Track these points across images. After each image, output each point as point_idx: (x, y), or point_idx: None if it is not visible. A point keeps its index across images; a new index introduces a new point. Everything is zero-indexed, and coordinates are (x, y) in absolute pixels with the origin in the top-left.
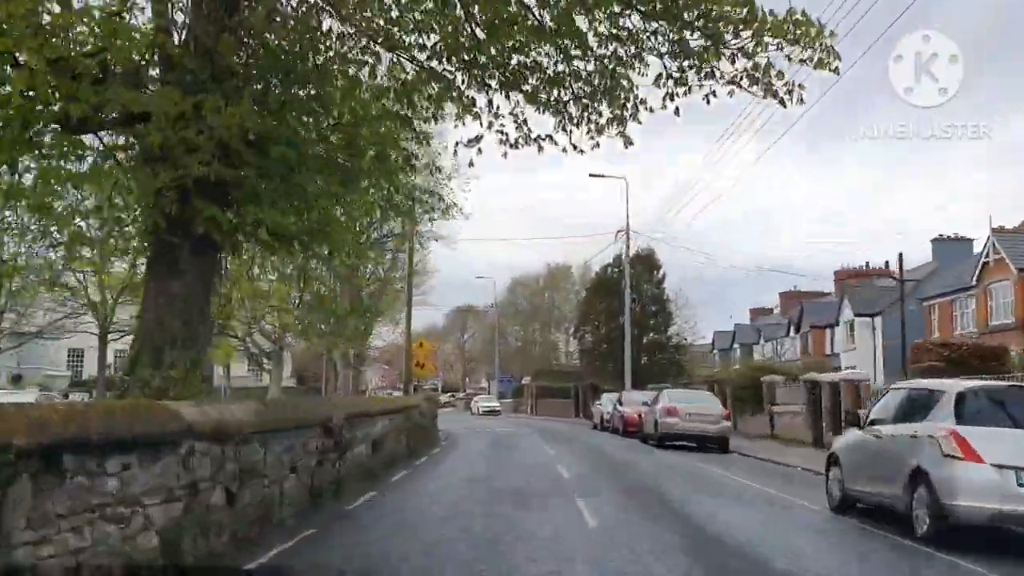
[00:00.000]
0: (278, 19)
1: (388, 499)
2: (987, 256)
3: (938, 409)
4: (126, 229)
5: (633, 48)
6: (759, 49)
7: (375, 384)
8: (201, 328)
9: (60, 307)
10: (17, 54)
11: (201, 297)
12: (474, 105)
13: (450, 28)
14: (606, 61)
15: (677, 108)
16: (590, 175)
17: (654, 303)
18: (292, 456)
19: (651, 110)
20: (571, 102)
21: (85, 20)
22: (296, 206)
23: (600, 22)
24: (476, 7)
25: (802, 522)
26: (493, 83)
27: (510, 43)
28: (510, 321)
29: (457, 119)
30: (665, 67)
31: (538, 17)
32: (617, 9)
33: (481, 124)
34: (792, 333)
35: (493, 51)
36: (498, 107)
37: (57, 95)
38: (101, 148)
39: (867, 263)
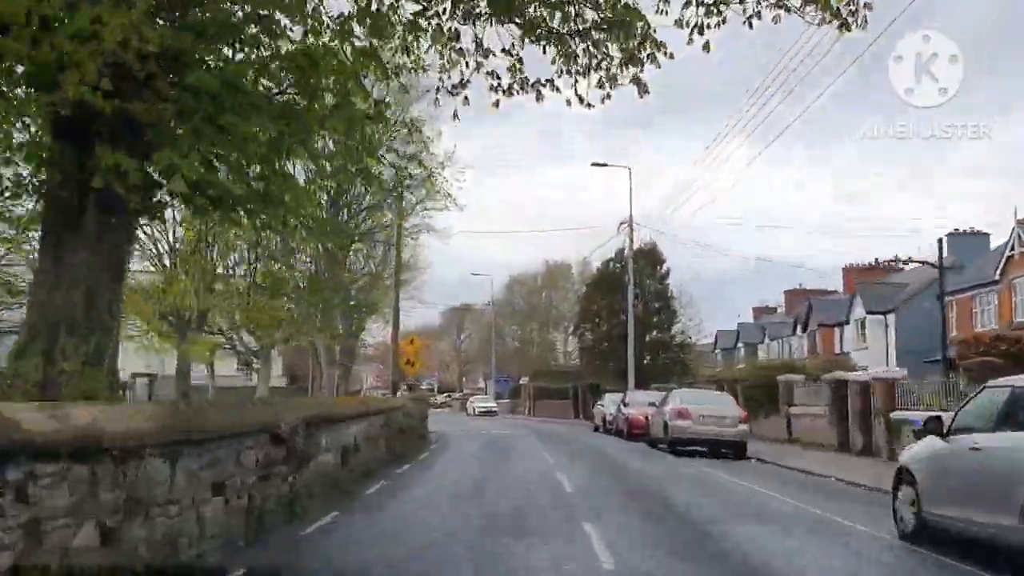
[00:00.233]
0: None
1: (352, 522)
2: (1011, 249)
3: None
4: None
5: None
6: None
7: (370, 384)
8: (108, 310)
9: None
10: None
11: (107, 271)
12: (457, 39)
13: None
14: None
15: (707, 43)
16: (592, 164)
17: (657, 299)
18: (218, 473)
19: (671, 56)
20: (576, 37)
21: None
22: (230, 158)
23: None
24: None
25: (873, 556)
26: (482, 3)
27: None
28: (507, 320)
29: (442, 72)
30: None
31: None
32: None
33: (467, 64)
34: (799, 332)
35: None
36: (488, 48)
37: None
38: None
39: (876, 259)
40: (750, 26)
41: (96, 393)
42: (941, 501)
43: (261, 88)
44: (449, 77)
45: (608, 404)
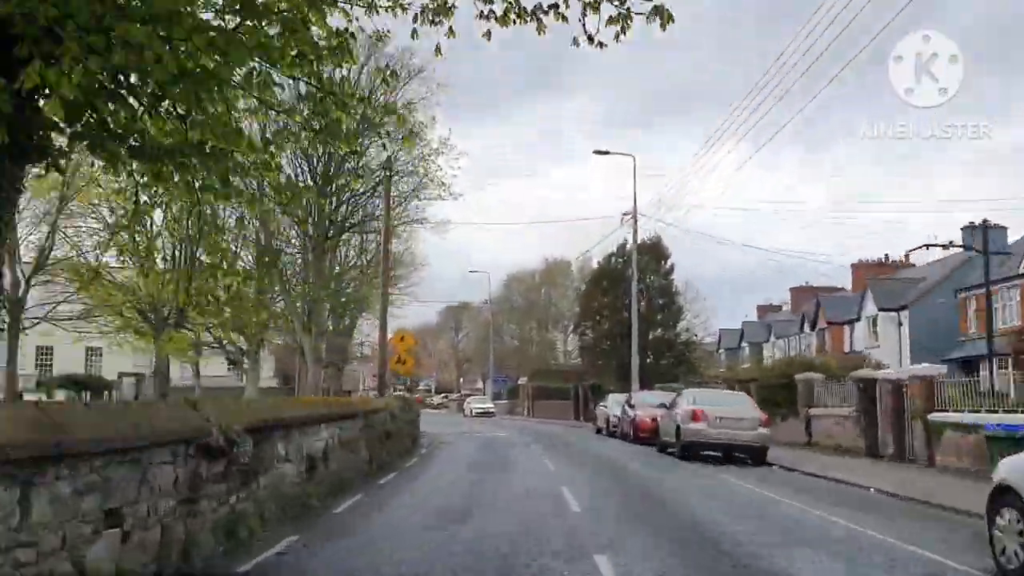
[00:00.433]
0: None
1: (308, 551)
2: None
3: None
4: None
5: None
6: None
7: (368, 384)
8: None
9: None
10: None
11: None
12: None
13: None
14: None
15: None
16: (595, 152)
17: (661, 295)
18: (110, 499)
19: None
20: None
21: None
22: (142, 90)
23: None
24: None
25: None
26: None
27: None
28: (506, 319)
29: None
30: None
31: None
32: None
33: None
34: (807, 330)
35: None
36: None
37: None
38: None
39: (886, 255)
40: None
41: None
42: None
43: None
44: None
45: (612, 405)
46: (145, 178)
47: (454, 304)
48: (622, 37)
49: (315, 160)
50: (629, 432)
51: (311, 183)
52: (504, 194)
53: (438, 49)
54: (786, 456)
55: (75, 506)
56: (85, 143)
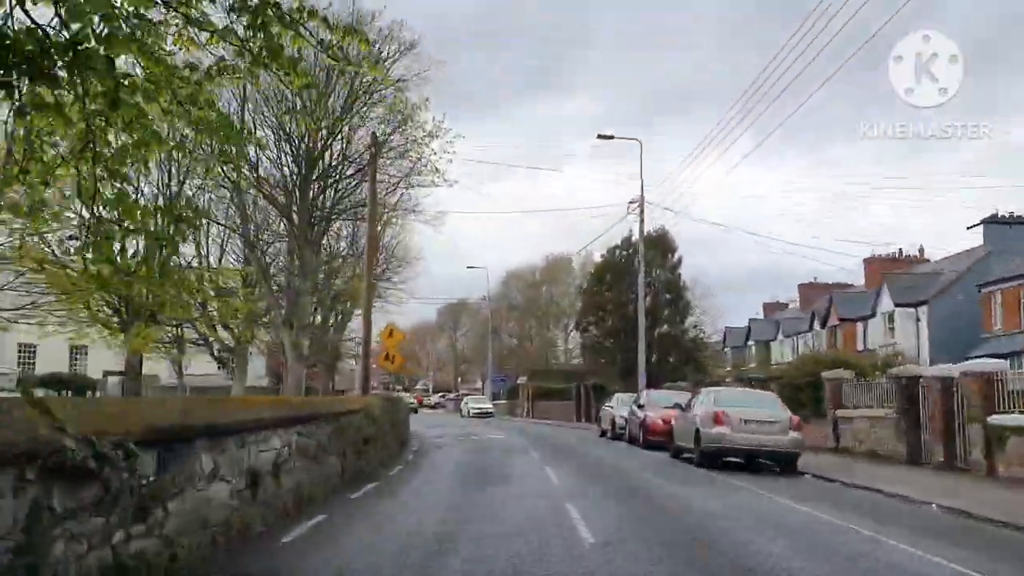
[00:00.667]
0: None
1: None
2: None
3: None
4: None
5: None
6: None
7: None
8: None
9: None
10: None
11: None
12: None
13: None
14: None
15: None
16: (599, 136)
17: (668, 290)
18: None
19: None
20: None
21: None
22: None
23: None
24: None
25: None
26: None
27: None
28: (505, 317)
29: None
30: None
31: None
32: None
33: None
34: (817, 327)
35: None
36: None
37: None
38: None
39: (900, 250)
40: None
41: None
42: None
43: None
44: None
45: (618, 406)
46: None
47: (453, 302)
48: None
49: (297, 141)
50: (638, 435)
51: (294, 166)
52: (504, 194)
53: None
54: (815, 462)
55: None
56: None
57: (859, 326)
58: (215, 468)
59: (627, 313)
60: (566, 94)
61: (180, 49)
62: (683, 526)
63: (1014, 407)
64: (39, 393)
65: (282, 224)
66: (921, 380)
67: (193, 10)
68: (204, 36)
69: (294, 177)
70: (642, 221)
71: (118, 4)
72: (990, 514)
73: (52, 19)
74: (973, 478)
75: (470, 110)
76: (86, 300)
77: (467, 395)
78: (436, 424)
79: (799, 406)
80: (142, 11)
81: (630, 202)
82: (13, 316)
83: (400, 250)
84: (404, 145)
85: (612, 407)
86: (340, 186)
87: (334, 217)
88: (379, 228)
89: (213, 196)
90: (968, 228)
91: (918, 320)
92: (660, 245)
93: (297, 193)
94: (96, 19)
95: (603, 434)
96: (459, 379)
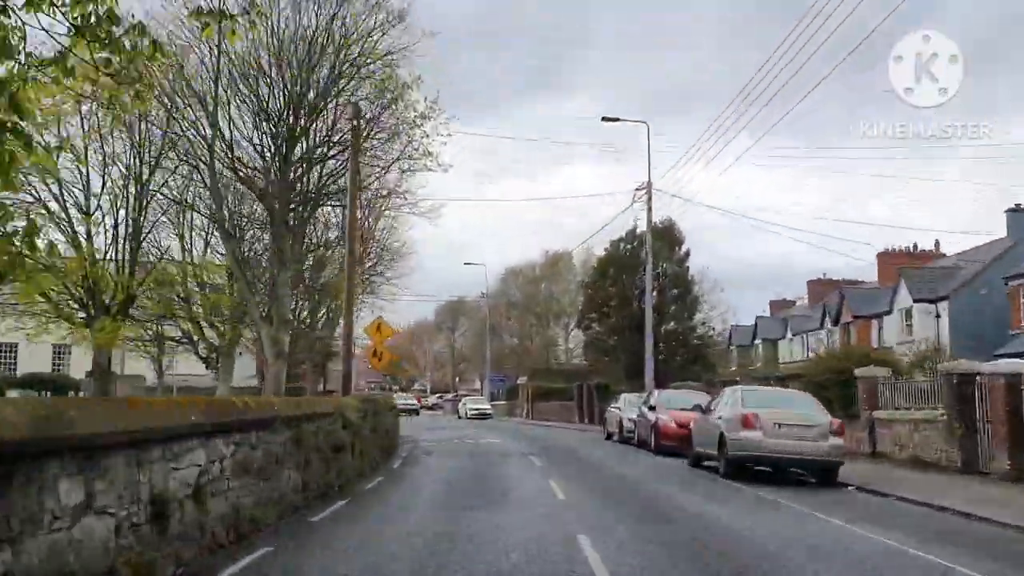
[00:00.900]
0: None
1: None
2: None
3: None
4: None
5: None
6: None
7: (361, 384)
8: None
9: None
10: None
11: None
12: None
13: None
14: None
15: None
16: (603, 119)
17: (675, 284)
18: None
19: None
20: None
21: None
22: None
23: None
24: None
25: None
26: None
27: None
28: (504, 315)
29: None
30: None
31: None
32: None
33: None
34: (827, 324)
35: None
36: None
37: None
38: None
39: (914, 244)
40: None
41: None
42: None
43: None
44: None
45: (626, 407)
46: None
47: (451, 300)
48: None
49: (276, 118)
50: (648, 440)
51: (270, 142)
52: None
53: None
54: (854, 472)
55: None
56: None
57: (873, 323)
58: (88, 498)
59: (632, 309)
60: (566, 94)
61: None
62: (732, 567)
63: None
64: (14, 394)
65: (259, 209)
66: (978, 377)
67: None
68: None
69: (272, 157)
70: (650, 209)
71: None
72: None
73: None
74: None
75: (470, 110)
76: (47, 293)
77: (465, 396)
78: (431, 426)
79: (827, 407)
80: None
81: (637, 188)
82: None
83: (393, 242)
84: (396, 126)
85: (619, 408)
86: (325, 169)
87: (321, 203)
88: (374, 220)
89: (184, 178)
90: (1006, 211)
91: (938, 316)
92: (667, 237)
93: (276, 175)
94: None
95: (609, 437)
96: (457, 379)
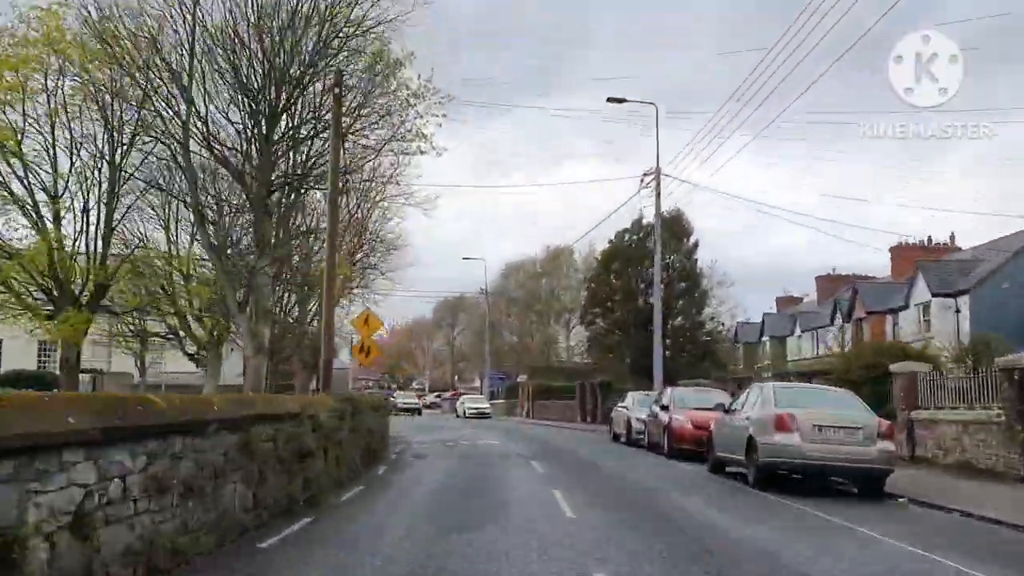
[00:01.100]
0: None
1: None
2: None
3: None
4: None
5: None
6: None
7: (359, 384)
8: None
9: None
10: None
11: None
12: None
13: None
14: None
15: None
16: (609, 99)
17: (683, 278)
18: None
19: None
20: None
21: None
22: None
23: None
24: None
25: None
26: None
27: None
28: (504, 312)
29: None
30: None
31: None
32: None
33: None
34: (839, 321)
35: None
36: None
37: None
38: None
39: (929, 238)
40: None
41: None
42: None
43: None
44: None
45: (634, 406)
46: None
47: (449, 297)
48: None
49: (256, 92)
50: (661, 442)
51: (250, 121)
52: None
53: None
54: (896, 480)
55: None
56: None
57: (888, 319)
58: None
59: (637, 304)
60: (566, 94)
61: None
62: None
63: None
64: None
65: (240, 192)
66: None
67: None
68: None
69: (251, 135)
70: (658, 194)
71: None
72: None
73: None
74: None
75: (470, 110)
76: (6, 280)
77: (464, 394)
78: (426, 426)
79: None
80: None
81: (645, 174)
82: None
83: (387, 233)
84: (387, 105)
85: (627, 407)
86: (312, 151)
87: (307, 186)
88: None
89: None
90: None
91: (958, 311)
92: (675, 228)
93: (256, 154)
94: None
95: (616, 438)
96: (456, 377)
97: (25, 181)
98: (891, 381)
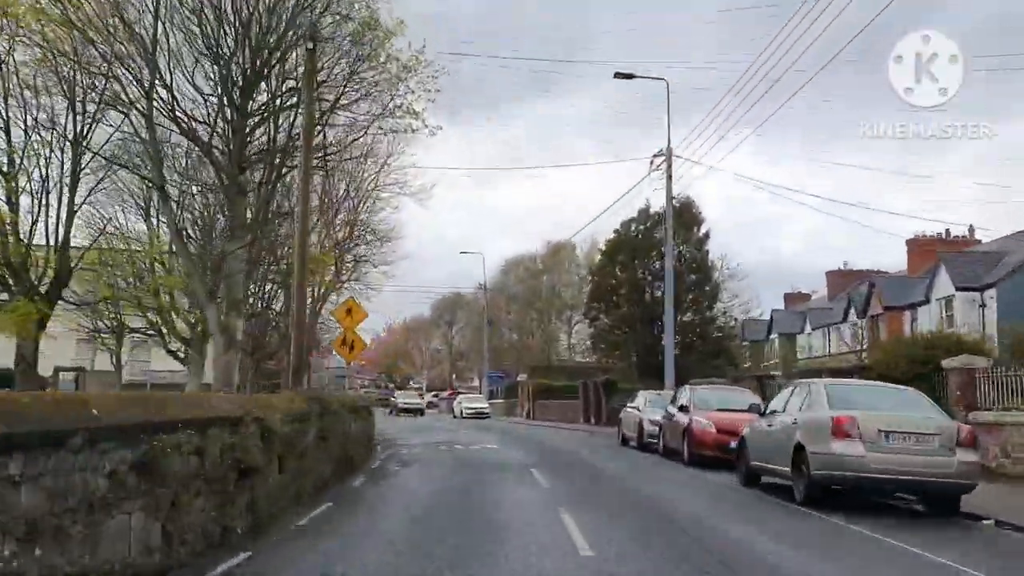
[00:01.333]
0: None
1: None
2: None
3: None
4: None
5: None
6: None
7: (358, 384)
8: None
9: None
10: None
11: None
12: None
13: None
14: None
15: None
16: (616, 75)
17: (693, 270)
18: None
19: None
20: None
21: None
22: None
23: None
24: None
25: None
26: None
27: None
28: (503, 309)
29: None
30: None
31: None
32: None
33: None
34: (853, 317)
35: None
36: None
37: None
38: None
39: (947, 230)
40: None
41: None
42: None
43: None
44: None
45: (645, 407)
46: None
47: (448, 294)
48: None
49: (227, 58)
50: (679, 447)
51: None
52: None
53: None
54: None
55: None
56: None
57: (906, 314)
58: None
59: (644, 298)
60: (566, 94)
61: None
62: None
63: None
64: None
65: (208, 169)
66: None
67: None
68: None
69: (221, 106)
70: (669, 177)
71: None
72: None
73: None
74: None
75: (470, 111)
76: None
77: (462, 394)
78: (420, 428)
79: None
80: None
81: (655, 155)
82: None
83: (379, 223)
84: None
85: (637, 408)
86: (293, 125)
87: (288, 165)
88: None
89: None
90: None
91: (983, 306)
92: (684, 217)
93: (226, 127)
94: None
95: (625, 442)
96: (454, 377)
97: None
98: (941, 378)
